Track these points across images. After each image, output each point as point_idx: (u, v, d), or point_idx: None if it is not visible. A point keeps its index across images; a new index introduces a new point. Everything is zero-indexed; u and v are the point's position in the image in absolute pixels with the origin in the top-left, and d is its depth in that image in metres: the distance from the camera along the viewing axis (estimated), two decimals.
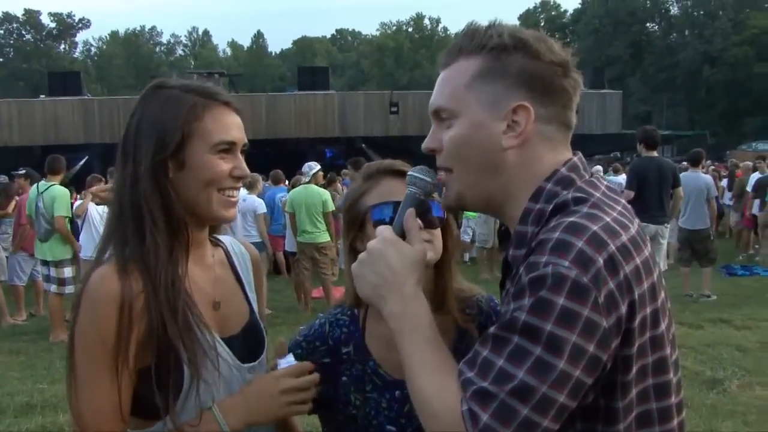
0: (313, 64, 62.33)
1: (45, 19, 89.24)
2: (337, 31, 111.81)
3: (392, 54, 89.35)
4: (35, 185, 9.66)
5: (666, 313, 1.41)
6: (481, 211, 1.63)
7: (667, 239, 9.88)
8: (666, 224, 9.41)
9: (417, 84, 72.65)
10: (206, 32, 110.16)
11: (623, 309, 1.28)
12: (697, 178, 11.14)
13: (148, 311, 1.58)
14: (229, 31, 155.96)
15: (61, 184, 9.67)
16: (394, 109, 32.80)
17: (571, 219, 1.33)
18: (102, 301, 1.57)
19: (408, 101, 34.48)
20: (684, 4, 69.76)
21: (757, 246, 15.37)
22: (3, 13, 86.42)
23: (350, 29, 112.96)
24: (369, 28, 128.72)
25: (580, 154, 1.52)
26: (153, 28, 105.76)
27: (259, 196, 11.58)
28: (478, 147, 1.47)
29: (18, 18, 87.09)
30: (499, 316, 1.38)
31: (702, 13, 66.77)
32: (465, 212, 14.64)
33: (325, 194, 10.48)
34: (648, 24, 70.96)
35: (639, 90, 62.18)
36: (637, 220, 1.45)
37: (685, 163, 19.94)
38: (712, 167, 22.70)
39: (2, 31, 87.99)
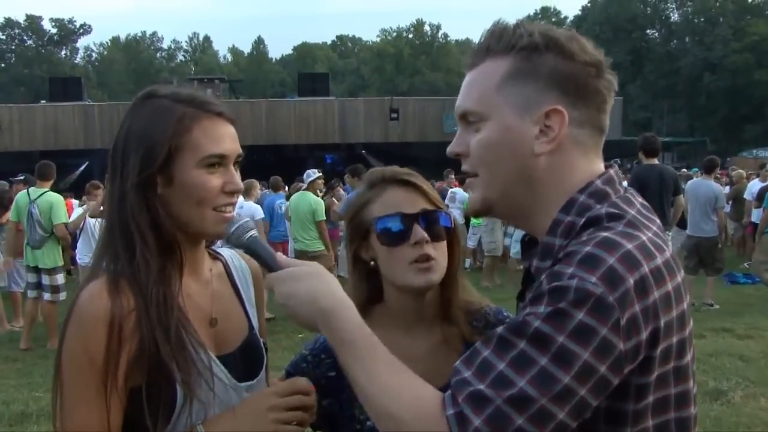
0: (314, 71, 62.70)
1: (46, 25, 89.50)
2: (337, 37, 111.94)
3: (392, 60, 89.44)
4: (25, 191, 9.60)
5: (692, 344, 1.35)
6: (507, 219, 1.57)
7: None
8: (668, 232, 9.38)
9: (417, 90, 72.72)
10: (207, 38, 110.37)
11: (644, 335, 1.22)
12: (708, 185, 11.07)
13: (140, 330, 1.52)
14: (230, 37, 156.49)
15: (55, 190, 9.63)
16: (394, 115, 32.85)
17: (605, 234, 1.27)
18: (91, 319, 1.51)
19: (408, 107, 34.57)
20: (684, 11, 69.93)
21: None
22: (5, 18, 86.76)
23: (350, 35, 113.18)
24: (369, 34, 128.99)
25: (616, 167, 1.45)
26: (154, 33, 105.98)
27: (257, 203, 11.55)
28: (508, 152, 1.40)
29: (20, 23, 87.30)
30: (510, 320, 1.32)
31: (702, 20, 66.90)
32: (471, 219, 14.80)
33: (317, 203, 10.44)
34: (648, 31, 71.13)
35: (639, 97, 62.23)
36: (670, 246, 1.38)
37: (685, 170, 20.04)
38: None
39: (4, 37, 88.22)
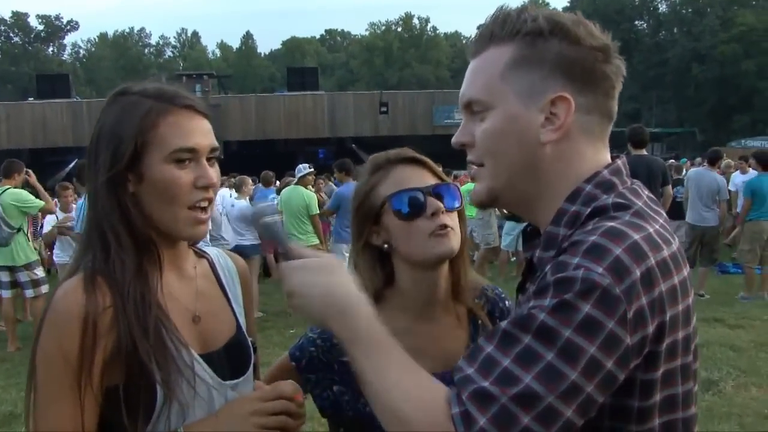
0: (303, 65, 62.41)
1: (33, 22, 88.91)
2: (326, 31, 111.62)
3: (381, 54, 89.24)
4: None
5: (694, 340, 1.33)
6: (511, 209, 1.51)
7: None
8: None
9: (406, 84, 72.69)
10: (195, 33, 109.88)
11: (650, 329, 1.19)
12: (712, 176, 11.15)
13: (117, 328, 1.48)
14: (218, 33, 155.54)
15: (43, 187, 9.59)
16: (383, 109, 32.89)
17: (611, 224, 1.24)
18: (64, 316, 1.47)
19: (398, 101, 34.59)
20: (672, 2, 70.04)
21: None
22: None
23: (339, 29, 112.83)
24: (358, 28, 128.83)
25: (624, 158, 1.42)
26: (142, 29, 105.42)
27: (249, 198, 11.54)
28: (513, 141, 1.36)
29: (5, 20, 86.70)
30: (514, 312, 1.27)
31: (690, 10, 67.03)
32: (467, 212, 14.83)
33: (310, 197, 10.43)
34: (636, 22, 71.30)
35: (628, 88, 61.09)
36: (677, 239, 1.34)
37: (673, 160, 20.05)
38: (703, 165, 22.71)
39: None
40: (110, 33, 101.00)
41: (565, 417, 1.15)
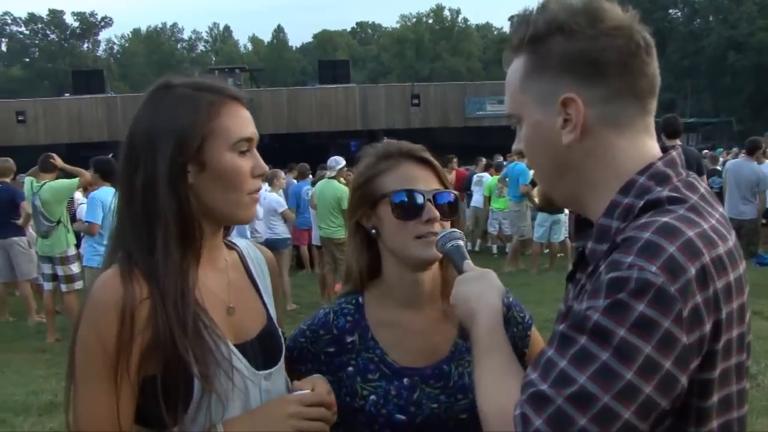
0: (334, 58, 62.48)
1: (68, 19, 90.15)
2: (357, 24, 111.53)
3: (413, 46, 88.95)
4: (30, 182, 9.70)
5: (749, 337, 1.31)
6: (566, 207, 1.56)
7: None
8: None
9: (438, 75, 72.37)
10: (227, 28, 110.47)
11: (707, 327, 1.18)
12: (751, 167, 10.97)
13: (155, 322, 1.51)
14: (250, 26, 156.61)
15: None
16: (415, 101, 32.80)
17: (665, 219, 1.22)
18: (102, 307, 1.50)
19: (429, 93, 34.49)
20: None
21: None
22: (28, 13, 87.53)
23: (370, 22, 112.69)
24: (389, 20, 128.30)
25: (680, 148, 1.40)
26: (174, 24, 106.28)
27: (283, 191, 11.61)
28: (543, 148, 1.40)
29: (42, 18, 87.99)
30: (571, 314, 1.27)
31: None
32: (492, 204, 14.77)
33: (343, 191, 10.40)
34: (671, 10, 70.23)
35: (662, 77, 59.78)
36: (734, 234, 1.33)
37: (707, 150, 19.76)
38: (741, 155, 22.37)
39: (27, 32, 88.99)
40: (143, 29, 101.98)
41: (623, 419, 1.14)
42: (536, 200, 12.69)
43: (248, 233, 9.77)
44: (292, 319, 8.76)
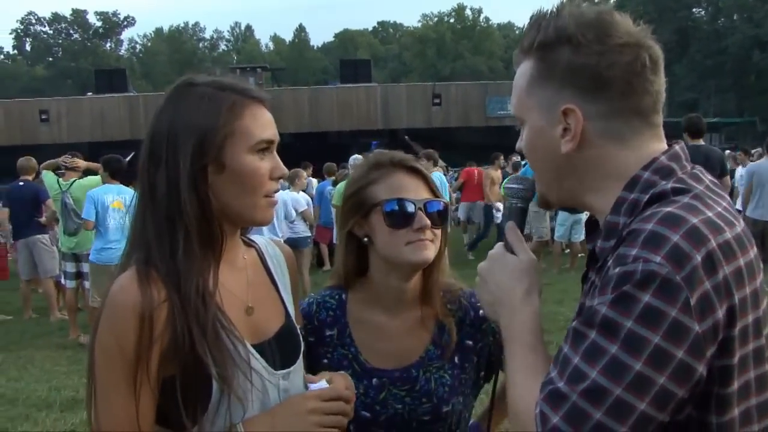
0: (355, 57, 62.47)
1: (91, 18, 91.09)
2: (378, 23, 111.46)
3: (434, 45, 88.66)
4: (56, 180, 9.78)
5: (766, 325, 1.29)
6: (567, 207, 1.55)
7: None
8: None
9: (459, 75, 72.14)
10: (249, 27, 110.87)
11: (720, 314, 1.17)
12: None
13: (174, 324, 1.50)
14: (271, 26, 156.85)
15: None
16: (436, 100, 32.75)
17: (668, 209, 1.23)
18: (121, 312, 1.50)
19: (450, 92, 34.42)
20: None
21: None
22: (52, 13, 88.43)
23: (392, 21, 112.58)
24: (410, 19, 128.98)
25: (683, 143, 1.40)
26: (196, 24, 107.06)
27: (305, 191, 11.62)
28: (542, 153, 1.43)
29: (66, 18, 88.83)
30: (583, 310, 1.28)
31: None
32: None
33: None
34: (694, 9, 69.49)
35: (685, 77, 60.87)
36: (742, 221, 1.32)
37: (729, 151, 19.55)
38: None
39: (51, 31, 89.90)
40: (165, 28, 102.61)
41: (638, 410, 1.15)
42: None
43: (264, 232, 9.80)
44: None
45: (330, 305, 2.04)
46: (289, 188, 11.06)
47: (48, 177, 9.97)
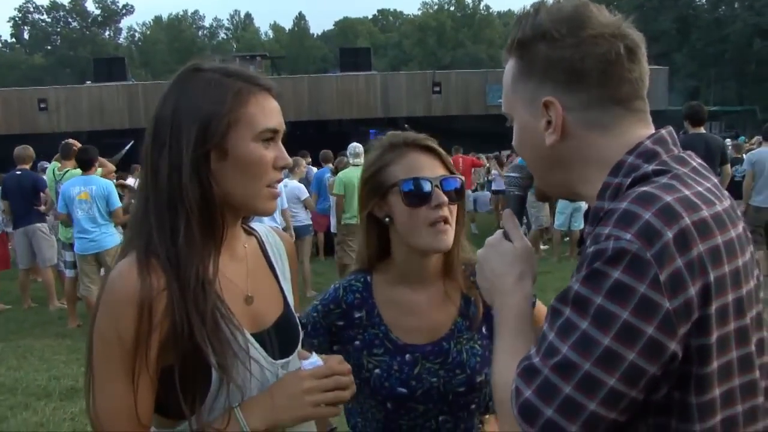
0: (355, 45, 62.28)
1: (90, 7, 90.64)
2: (378, 11, 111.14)
3: (434, 33, 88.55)
4: (51, 171, 9.81)
5: (752, 305, 1.29)
6: (564, 198, 1.60)
7: None
8: None
9: (459, 63, 72.11)
10: (248, 15, 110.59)
11: (693, 291, 1.17)
12: None
13: (173, 313, 1.50)
14: (271, 14, 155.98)
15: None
16: (436, 88, 32.71)
17: (644, 188, 1.24)
18: (121, 300, 1.49)
19: (450, 81, 34.34)
20: None
21: None
22: (50, 1, 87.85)
23: (392, 9, 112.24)
24: (410, 7, 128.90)
25: (671, 128, 1.41)
26: (195, 12, 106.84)
27: (303, 180, 11.59)
28: (529, 146, 1.46)
29: (64, 6, 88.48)
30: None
31: None
32: None
33: None
34: None
35: (686, 65, 60.80)
36: (728, 201, 1.33)
37: (729, 140, 19.51)
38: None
39: (49, 19, 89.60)
40: (164, 16, 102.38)
41: (608, 385, 1.17)
42: None
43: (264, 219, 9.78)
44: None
45: (356, 288, 2.09)
46: (288, 176, 11.03)
47: (49, 167, 10.00)
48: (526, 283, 1.52)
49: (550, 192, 1.53)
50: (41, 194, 10.53)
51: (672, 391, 1.23)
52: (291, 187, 10.70)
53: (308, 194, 11.29)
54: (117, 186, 9.43)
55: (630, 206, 1.22)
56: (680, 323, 1.17)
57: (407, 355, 2.00)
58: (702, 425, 1.23)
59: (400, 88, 33.93)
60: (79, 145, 9.75)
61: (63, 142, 10.12)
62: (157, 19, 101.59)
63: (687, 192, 1.25)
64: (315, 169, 14.59)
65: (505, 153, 17.16)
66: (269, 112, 1.62)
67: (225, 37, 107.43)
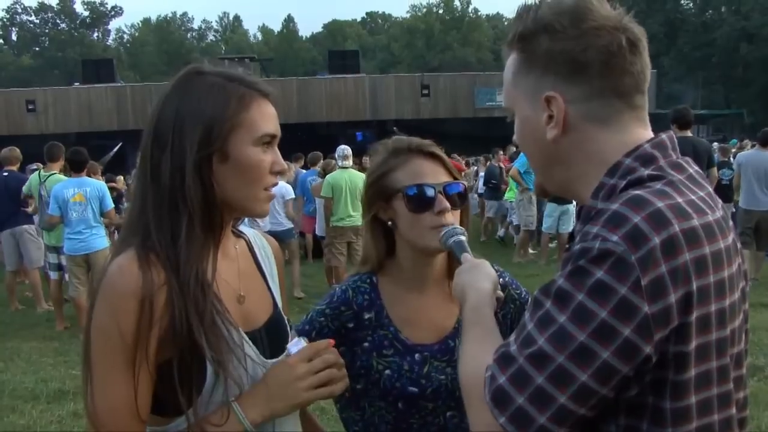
0: (344, 48, 62.39)
1: (79, 8, 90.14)
2: (367, 14, 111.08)
3: (423, 36, 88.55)
4: (36, 173, 9.81)
5: (735, 317, 1.31)
6: (562, 196, 1.64)
7: None
8: None
9: (448, 66, 72.03)
10: (237, 17, 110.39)
11: (673, 298, 1.18)
12: (766, 156, 10.80)
13: (172, 309, 1.51)
14: (260, 16, 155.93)
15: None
16: (425, 91, 32.78)
17: (637, 192, 1.25)
18: (121, 295, 1.49)
19: (439, 83, 34.44)
20: None
21: None
22: (38, 2, 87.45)
23: (380, 12, 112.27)
24: (399, 10, 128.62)
25: (671, 132, 1.42)
26: (184, 14, 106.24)
27: (292, 180, 11.56)
28: (531, 141, 1.46)
29: (52, 7, 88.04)
30: None
31: None
32: (506, 195, 14.76)
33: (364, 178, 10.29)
34: (683, 1, 69.65)
35: (673, 69, 61.01)
36: (722, 211, 1.34)
37: (716, 143, 19.59)
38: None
39: (38, 21, 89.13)
40: (153, 18, 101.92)
41: (579, 381, 1.19)
42: (523, 183, 12.78)
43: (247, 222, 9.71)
44: (300, 308, 8.79)
45: (364, 289, 2.10)
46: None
47: (36, 175, 9.96)
48: (478, 283, 1.63)
49: (550, 188, 1.53)
50: (28, 198, 10.47)
51: (645, 395, 1.24)
52: (278, 186, 10.60)
53: (294, 195, 11.22)
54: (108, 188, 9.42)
55: (620, 208, 1.22)
56: (657, 328, 1.19)
57: (416, 355, 2.04)
58: (675, 430, 1.25)
59: (389, 90, 34.00)
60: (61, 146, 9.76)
61: (48, 144, 10.08)
62: (146, 21, 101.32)
63: (679, 199, 1.26)
64: (303, 171, 14.58)
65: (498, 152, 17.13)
66: (268, 118, 1.66)
67: (214, 39, 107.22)
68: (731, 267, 1.29)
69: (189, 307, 1.52)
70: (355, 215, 10.15)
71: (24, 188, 10.12)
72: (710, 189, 1.37)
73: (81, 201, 8.63)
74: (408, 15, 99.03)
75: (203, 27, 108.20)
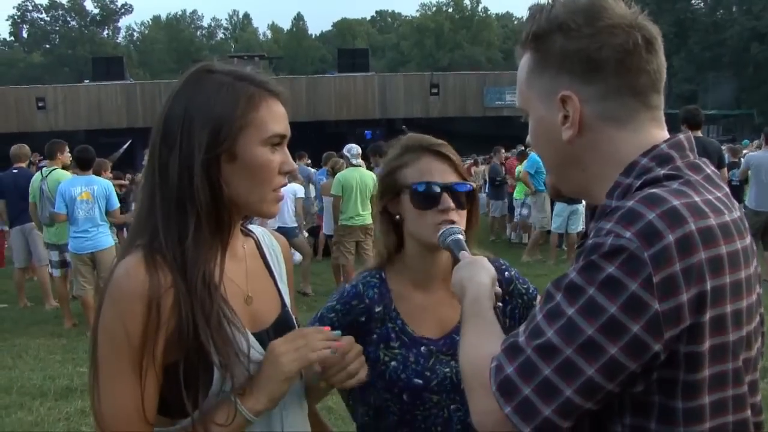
0: (353, 46, 62.36)
1: (89, 6, 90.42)
2: (377, 12, 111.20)
3: (432, 35, 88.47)
4: (41, 170, 9.83)
5: (752, 318, 1.29)
6: (575, 197, 1.62)
7: None
8: None
9: (457, 65, 72.04)
10: (246, 15, 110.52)
11: (685, 297, 1.17)
12: None
13: (179, 311, 1.50)
14: (269, 14, 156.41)
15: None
16: (434, 90, 32.76)
17: (653, 190, 1.24)
18: (129, 296, 1.48)
19: (448, 82, 34.41)
20: None
21: None
22: (49, 0, 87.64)
23: (390, 11, 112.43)
24: (409, 9, 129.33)
25: (690, 133, 1.41)
26: (194, 12, 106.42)
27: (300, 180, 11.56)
28: (545, 141, 1.44)
29: (63, 5, 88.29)
30: None
31: None
32: (515, 193, 14.75)
33: (374, 177, 10.32)
34: (693, 1, 69.44)
35: (684, 69, 60.77)
36: (738, 212, 1.32)
37: (726, 144, 19.53)
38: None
39: (48, 18, 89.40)
40: (163, 16, 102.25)
41: (586, 374, 1.18)
42: (531, 186, 12.79)
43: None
44: (308, 306, 8.80)
45: (374, 284, 2.14)
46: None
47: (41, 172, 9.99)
48: (476, 277, 1.65)
49: (565, 189, 1.52)
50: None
51: (651, 393, 1.24)
52: (284, 189, 10.59)
53: (302, 195, 11.21)
54: (115, 186, 9.43)
55: (635, 205, 1.22)
56: (668, 326, 1.17)
57: (422, 348, 2.07)
58: (686, 429, 1.24)
59: (398, 89, 33.99)
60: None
61: (49, 142, 10.10)
62: (156, 19, 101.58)
63: (696, 198, 1.24)
64: (313, 171, 14.58)
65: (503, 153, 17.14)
66: (278, 118, 1.64)
67: (223, 37, 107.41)
68: (749, 268, 1.28)
69: (196, 310, 1.51)
70: (364, 214, 10.14)
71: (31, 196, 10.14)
72: (727, 190, 1.36)
73: (88, 199, 8.64)
74: (418, 14, 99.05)
75: (213, 25, 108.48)
